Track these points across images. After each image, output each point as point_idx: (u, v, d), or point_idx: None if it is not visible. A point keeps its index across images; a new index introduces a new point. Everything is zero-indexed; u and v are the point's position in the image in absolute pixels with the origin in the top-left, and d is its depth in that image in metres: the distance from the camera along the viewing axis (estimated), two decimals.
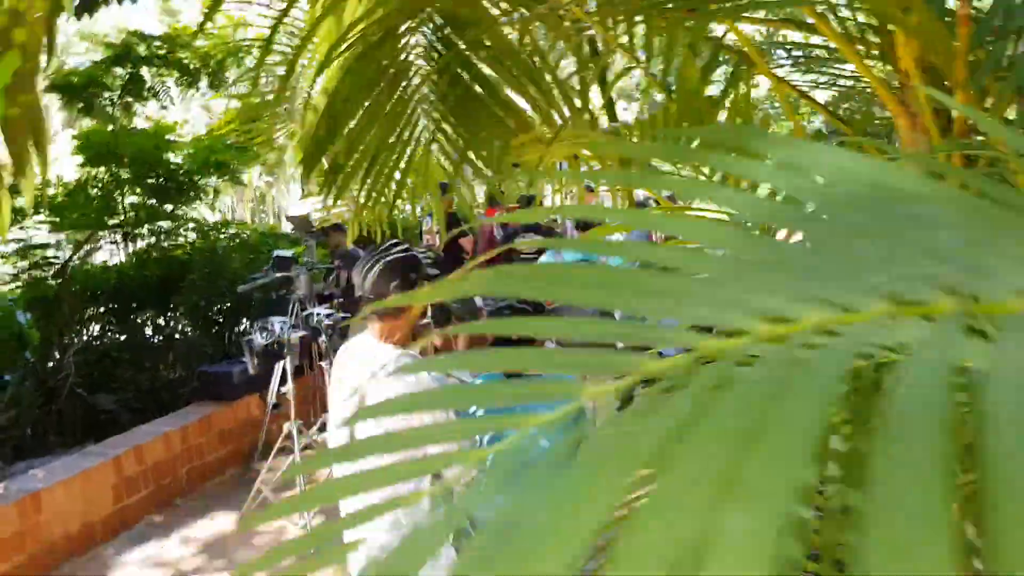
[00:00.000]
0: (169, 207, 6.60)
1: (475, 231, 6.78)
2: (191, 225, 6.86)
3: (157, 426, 4.58)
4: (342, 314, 4.32)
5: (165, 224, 6.68)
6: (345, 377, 2.05)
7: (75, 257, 6.22)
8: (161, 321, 6.40)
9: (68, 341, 6.13)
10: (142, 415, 5.04)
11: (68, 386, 5.70)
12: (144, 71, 6.48)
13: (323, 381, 4.62)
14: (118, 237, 6.57)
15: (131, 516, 4.16)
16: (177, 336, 6.25)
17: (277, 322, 3.97)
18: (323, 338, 4.18)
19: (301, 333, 3.97)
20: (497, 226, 6.98)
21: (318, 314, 4.20)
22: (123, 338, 6.22)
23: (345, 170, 1.58)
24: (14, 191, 1.33)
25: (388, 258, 2.02)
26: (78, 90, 6.28)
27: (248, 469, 5.01)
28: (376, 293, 2.00)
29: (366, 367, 1.98)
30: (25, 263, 6.05)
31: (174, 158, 6.48)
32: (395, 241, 2.12)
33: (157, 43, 6.49)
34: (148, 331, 6.34)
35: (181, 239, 6.82)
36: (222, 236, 6.69)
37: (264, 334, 3.93)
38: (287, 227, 7.97)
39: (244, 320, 6.12)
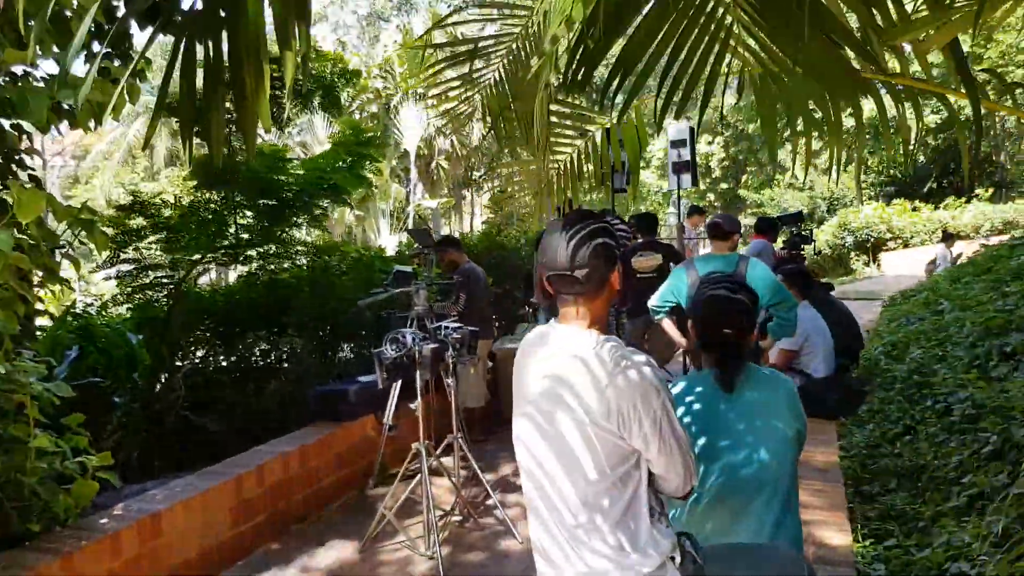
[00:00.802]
0: (279, 230, 6.51)
1: None
2: (300, 248, 6.76)
3: (274, 447, 4.34)
4: (470, 328, 3.99)
5: (274, 247, 6.59)
6: (532, 369, 1.70)
7: (187, 278, 6.17)
8: (267, 344, 6.26)
9: (178, 363, 6.04)
10: (250, 438, 4.82)
11: (177, 409, 5.57)
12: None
13: (448, 401, 4.31)
14: (228, 259, 6.50)
15: (249, 542, 3.89)
16: (286, 357, 6.09)
17: (408, 334, 3.67)
18: (451, 352, 3.86)
19: (433, 345, 3.66)
20: None
21: (446, 327, 3.90)
22: (231, 360, 6.10)
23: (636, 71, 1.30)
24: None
25: (592, 227, 1.67)
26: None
27: (364, 494, 4.72)
28: (581, 267, 1.64)
29: (565, 353, 1.62)
30: (137, 283, 6.03)
31: (286, 180, 6.40)
32: (584, 211, 1.76)
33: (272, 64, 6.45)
34: (256, 353, 6.21)
35: (288, 262, 6.71)
36: (334, 257, 6.55)
37: (395, 346, 3.64)
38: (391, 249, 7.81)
39: (352, 342, 5.93)
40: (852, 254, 18.98)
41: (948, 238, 13.28)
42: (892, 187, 25.09)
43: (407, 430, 5.21)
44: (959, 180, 24.48)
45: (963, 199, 19.50)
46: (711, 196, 32.12)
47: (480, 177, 41.57)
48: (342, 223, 24.28)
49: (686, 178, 6.55)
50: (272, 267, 6.61)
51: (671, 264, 6.31)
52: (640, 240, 6.32)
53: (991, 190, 21.11)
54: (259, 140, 7.65)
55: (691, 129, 6.47)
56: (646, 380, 1.54)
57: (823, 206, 24.95)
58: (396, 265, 4.89)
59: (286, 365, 6.14)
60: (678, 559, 1.56)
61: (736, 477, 1.88)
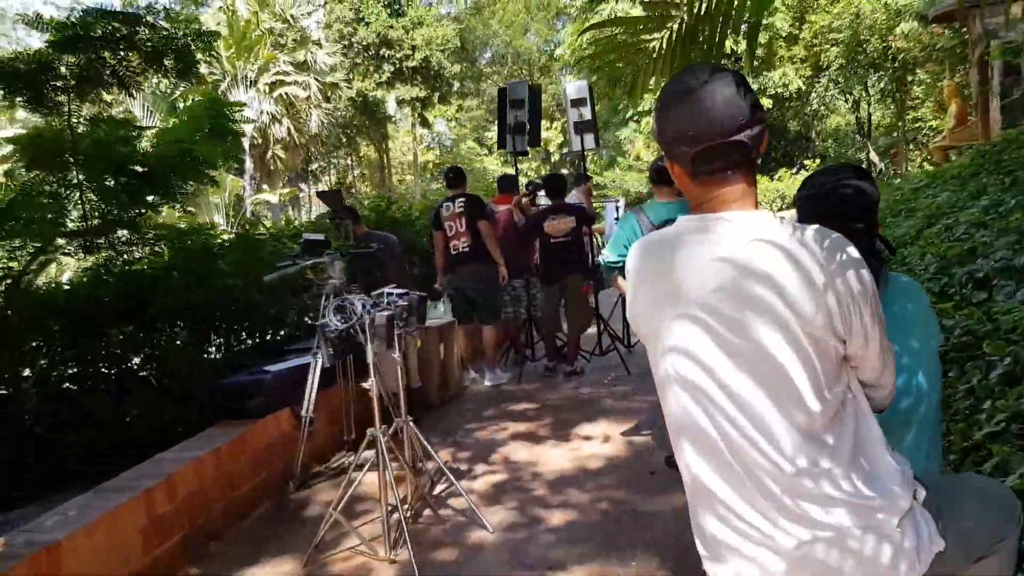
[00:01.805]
0: (134, 212, 5.58)
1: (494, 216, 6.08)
2: (160, 232, 5.82)
3: (182, 452, 3.63)
4: (419, 294, 3.51)
5: (126, 233, 5.64)
6: (696, 262, 1.26)
7: (29, 269, 5.13)
8: (134, 342, 5.33)
9: (20, 371, 5.02)
10: (129, 449, 4.00)
11: (27, 426, 4.63)
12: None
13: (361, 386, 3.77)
14: (76, 248, 5.50)
15: (166, 569, 3.20)
16: (159, 354, 5.21)
17: (357, 300, 3.14)
18: (400, 324, 3.36)
19: (387, 312, 3.15)
20: (516, 211, 6.30)
21: (390, 294, 3.39)
22: (93, 362, 5.13)
23: None
24: None
25: (738, 73, 1.28)
26: (24, 78, 5.21)
27: (286, 499, 4.09)
28: (751, 125, 1.24)
29: (754, 242, 1.22)
30: None
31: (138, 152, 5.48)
32: (709, 66, 1.37)
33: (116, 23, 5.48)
34: (120, 352, 5.27)
35: (148, 248, 5.77)
36: (197, 241, 5.68)
37: (340, 316, 3.09)
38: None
39: (246, 325, 5.19)
40: None
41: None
42: None
43: (325, 422, 4.62)
44: (780, 154, 26.57)
45: (794, 170, 21.06)
46: None
47: (318, 168, 39.91)
48: (172, 219, 22.18)
49: (589, 138, 6.36)
50: (125, 256, 5.64)
51: (584, 227, 6.10)
52: (550, 203, 6.05)
53: (818, 161, 22.97)
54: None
55: (590, 87, 6.30)
56: (858, 259, 1.21)
57: None
58: (305, 232, 4.29)
59: (154, 366, 5.26)
60: (921, 493, 1.24)
61: (895, 409, 1.56)
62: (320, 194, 5.92)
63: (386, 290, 3.42)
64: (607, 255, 3.96)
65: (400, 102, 37.93)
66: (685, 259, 1.28)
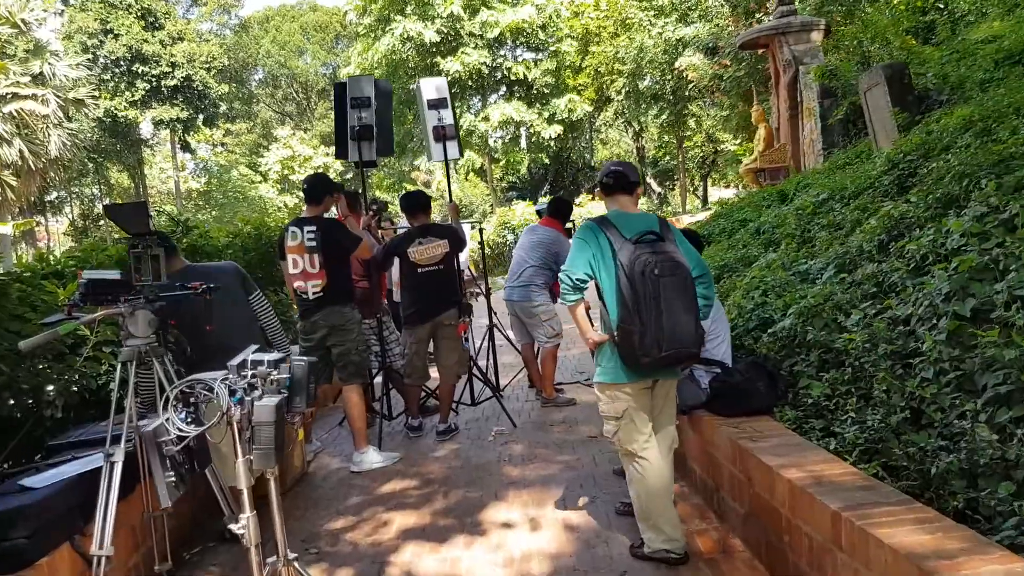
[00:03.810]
0: None
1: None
2: None
3: None
4: (304, 359, 2.21)
5: None
6: None
7: None
8: None
9: None
10: None
11: None
12: None
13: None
14: None
15: None
16: None
17: (213, 380, 1.79)
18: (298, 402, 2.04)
19: (272, 399, 1.84)
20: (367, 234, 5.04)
21: (258, 363, 2.06)
22: None
23: None
24: None
25: None
26: None
27: None
28: None
29: None
30: None
31: None
32: None
33: None
34: None
35: None
36: None
37: (186, 415, 1.73)
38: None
39: None
40: (512, 251, 19.38)
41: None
42: (513, 192, 26.84)
43: (125, 550, 3.07)
44: (568, 182, 27.25)
45: (592, 195, 21.42)
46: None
47: (57, 198, 34.46)
48: None
49: (452, 147, 5.26)
50: None
51: (459, 253, 4.98)
52: (414, 225, 4.86)
53: None
54: None
55: (450, 86, 5.21)
56: None
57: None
58: (87, 271, 2.76)
59: None
60: None
61: None
62: (110, 209, 4.25)
63: (251, 355, 2.08)
64: (574, 272, 2.91)
65: (157, 123, 34.14)
66: None
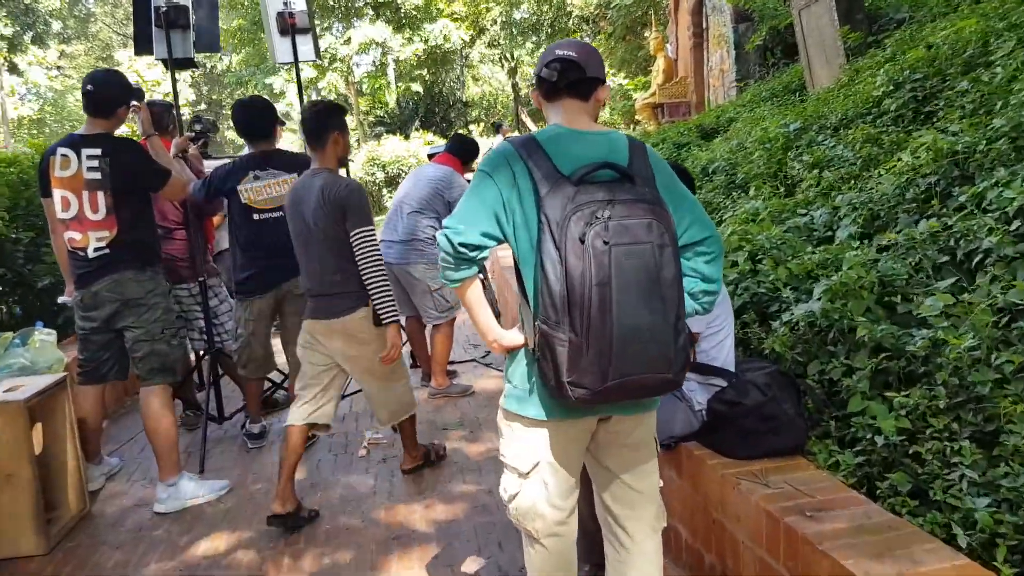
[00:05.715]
0: None
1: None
2: None
3: None
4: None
5: None
6: None
7: None
8: None
9: None
10: None
11: None
12: None
13: None
14: None
15: None
16: None
17: None
18: None
19: None
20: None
21: None
22: None
23: None
24: None
25: None
26: None
27: None
28: None
29: None
30: None
31: None
32: None
33: None
34: None
35: None
36: None
37: None
38: None
39: None
40: (384, 191, 17.68)
41: (498, 128, 12.85)
42: (381, 127, 25.20)
43: None
44: (440, 118, 25.67)
45: (467, 131, 20.06)
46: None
47: None
48: None
49: (305, 43, 3.68)
50: None
51: None
52: (247, 152, 3.37)
53: (480, 126, 22.33)
54: None
55: (309, 5, 3.63)
56: None
57: None
58: None
59: None
60: None
61: None
62: None
63: None
64: (461, 231, 1.52)
65: None
66: None
